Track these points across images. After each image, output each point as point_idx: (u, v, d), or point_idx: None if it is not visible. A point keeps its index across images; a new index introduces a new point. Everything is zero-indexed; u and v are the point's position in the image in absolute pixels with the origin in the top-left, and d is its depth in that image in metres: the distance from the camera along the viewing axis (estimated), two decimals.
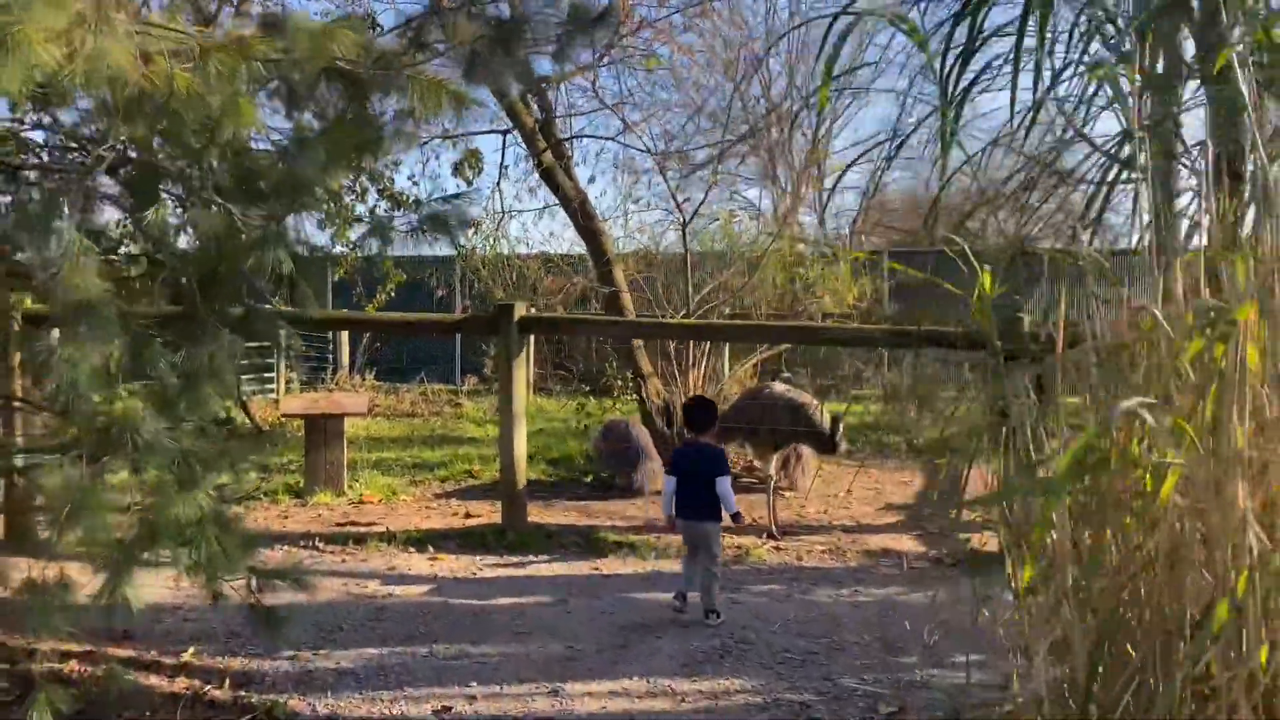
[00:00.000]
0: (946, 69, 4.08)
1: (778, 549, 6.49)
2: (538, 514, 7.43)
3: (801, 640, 4.71)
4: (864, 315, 9.54)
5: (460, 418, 13.40)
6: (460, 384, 16.80)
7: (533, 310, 8.65)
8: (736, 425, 7.46)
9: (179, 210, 3.51)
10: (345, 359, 16.88)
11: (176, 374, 3.26)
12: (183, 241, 3.53)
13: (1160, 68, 3.96)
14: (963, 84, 4.15)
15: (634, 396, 9.46)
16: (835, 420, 7.36)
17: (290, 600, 4.16)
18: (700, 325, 8.70)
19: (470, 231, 13.15)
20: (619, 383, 9.59)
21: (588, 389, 10.47)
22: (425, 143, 12.08)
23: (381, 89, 3.33)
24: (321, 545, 6.52)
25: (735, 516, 5.06)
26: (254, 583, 3.57)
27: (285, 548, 6.44)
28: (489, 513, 7.47)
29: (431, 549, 6.45)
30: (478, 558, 6.29)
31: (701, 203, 9.33)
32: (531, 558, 6.30)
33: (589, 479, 8.72)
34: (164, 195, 3.37)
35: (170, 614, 4.90)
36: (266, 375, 14.26)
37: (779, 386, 7.49)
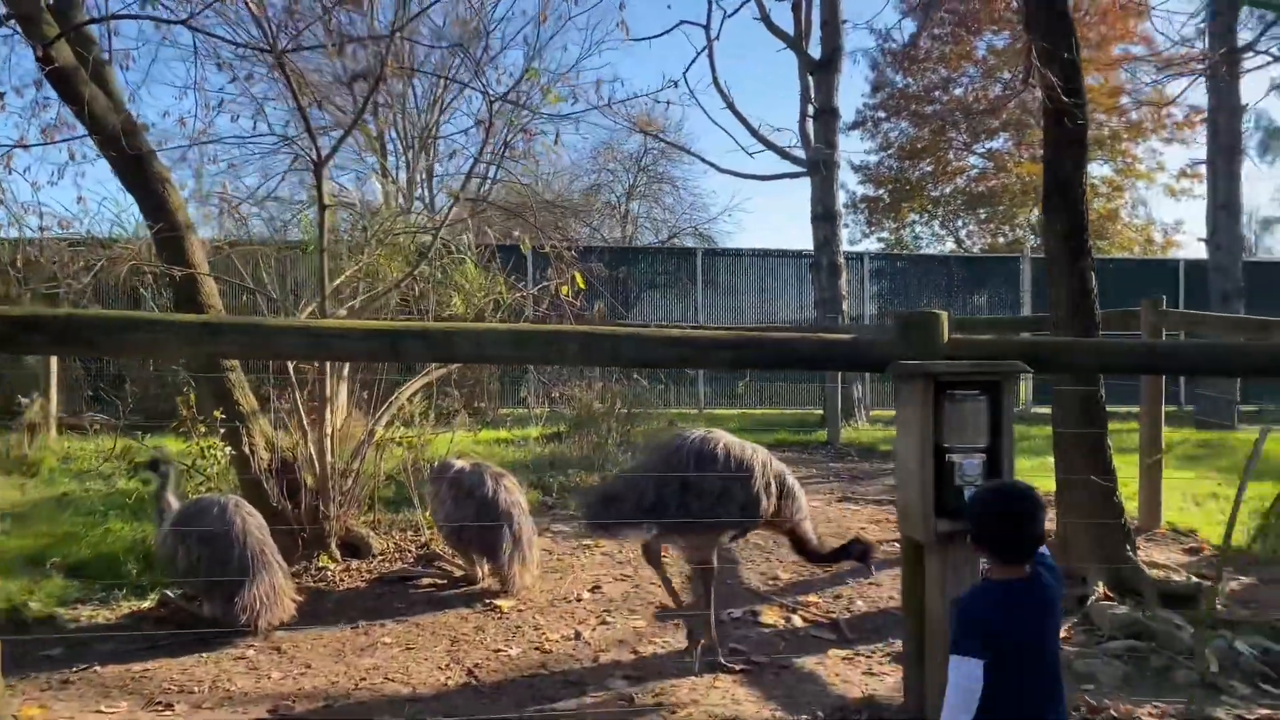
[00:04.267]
0: None
1: None
2: (41, 707, 3.73)
3: None
4: (578, 317, 6.74)
5: None
6: None
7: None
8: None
9: None
10: None
11: None
12: None
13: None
14: None
15: (226, 445, 5.81)
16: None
17: None
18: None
19: None
20: (201, 425, 5.92)
21: (143, 430, 6.56)
22: None
23: None
24: None
25: None
26: None
27: None
28: None
29: None
30: None
31: (346, 134, 5.92)
32: None
33: (153, 601, 5.01)
34: None
35: None
36: None
37: (716, 434, 4.39)
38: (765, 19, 14.36)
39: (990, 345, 3.68)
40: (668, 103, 17.27)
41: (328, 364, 5.61)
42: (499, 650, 4.47)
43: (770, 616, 5.02)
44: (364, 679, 4.14)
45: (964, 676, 2.38)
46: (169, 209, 5.84)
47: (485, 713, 3.78)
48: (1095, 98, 23.10)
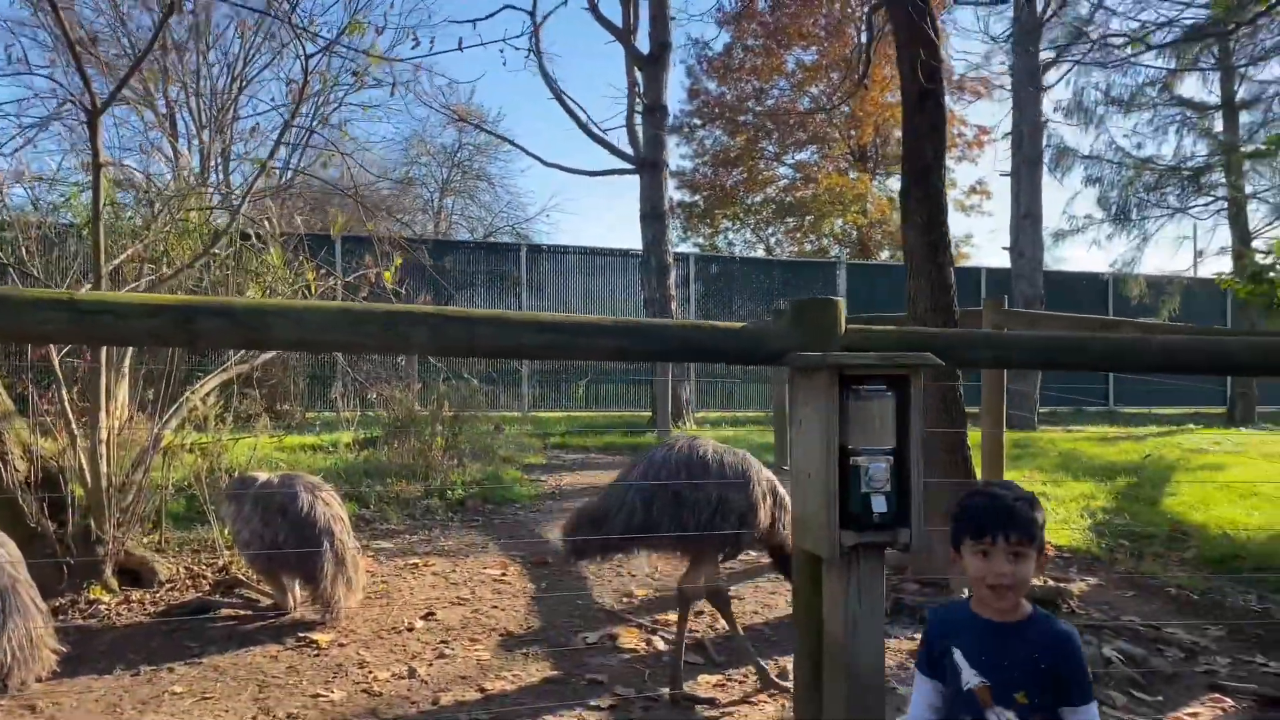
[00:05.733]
0: None
1: None
2: None
3: None
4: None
5: None
6: None
7: None
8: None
9: None
10: None
11: None
12: None
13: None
14: None
15: None
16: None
17: None
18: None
19: None
20: None
21: None
22: None
23: None
24: None
25: None
26: None
27: None
28: None
29: None
30: None
31: (133, 70, 4.99)
32: None
33: None
34: None
35: None
36: None
37: (703, 440, 3.93)
38: (594, 8, 13.93)
39: (894, 336, 3.32)
40: (533, 52, 16.03)
41: (103, 356, 4.69)
42: (318, 695, 3.76)
43: (629, 639, 4.51)
44: None
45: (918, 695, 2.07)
46: None
47: None
48: (895, 114, 24.11)
